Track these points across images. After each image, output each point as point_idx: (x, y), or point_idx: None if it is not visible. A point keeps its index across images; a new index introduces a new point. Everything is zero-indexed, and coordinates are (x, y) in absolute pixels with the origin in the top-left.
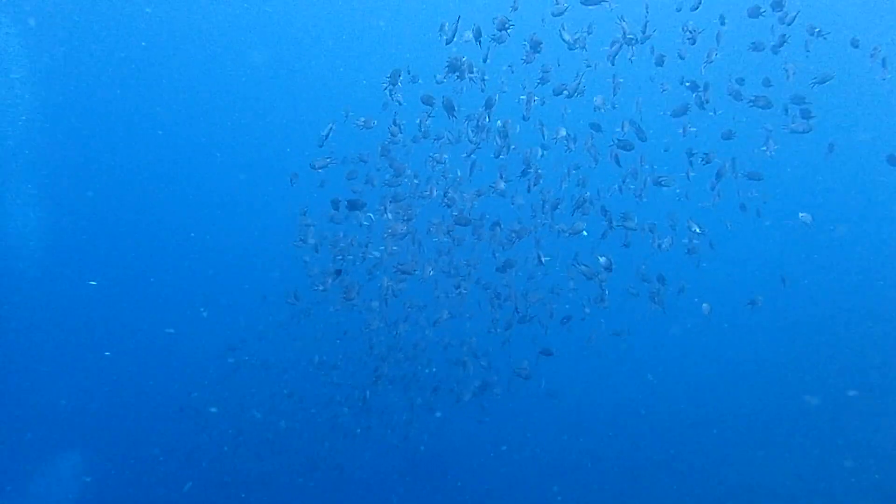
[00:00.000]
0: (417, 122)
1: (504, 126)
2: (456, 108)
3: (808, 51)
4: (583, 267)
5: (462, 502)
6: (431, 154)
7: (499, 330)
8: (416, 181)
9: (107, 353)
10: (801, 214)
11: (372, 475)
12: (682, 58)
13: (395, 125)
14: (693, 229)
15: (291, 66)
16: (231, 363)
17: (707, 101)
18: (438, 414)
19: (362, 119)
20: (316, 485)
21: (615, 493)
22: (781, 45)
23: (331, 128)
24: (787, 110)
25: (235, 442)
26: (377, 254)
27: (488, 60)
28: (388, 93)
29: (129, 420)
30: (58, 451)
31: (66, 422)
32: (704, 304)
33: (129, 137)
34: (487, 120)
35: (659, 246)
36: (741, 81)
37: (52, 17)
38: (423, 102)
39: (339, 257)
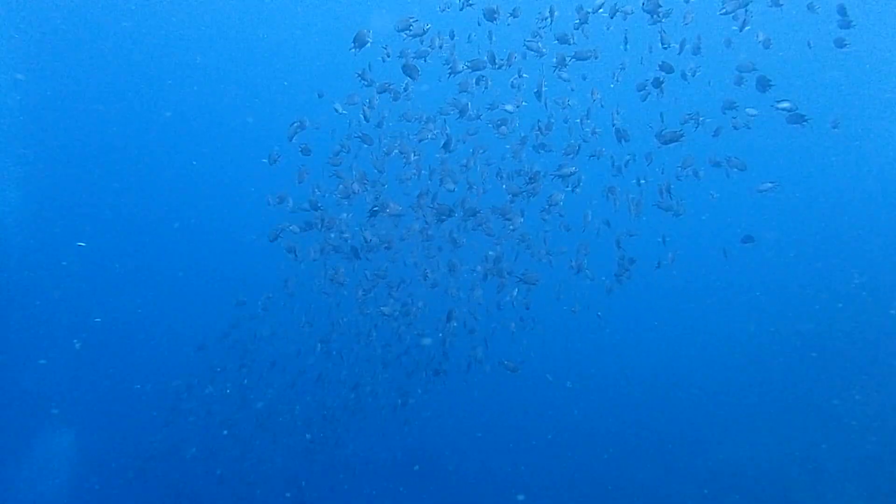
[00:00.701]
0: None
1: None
2: (419, 72)
3: (780, 5)
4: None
5: (457, 482)
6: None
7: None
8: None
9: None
10: (762, 184)
11: (367, 454)
12: (664, 45)
13: (367, 109)
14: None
15: (268, 53)
16: (222, 348)
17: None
18: (428, 391)
19: (338, 105)
20: (312, 467)
21: (604, 469)
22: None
23: (297, 125)
24: (764, 86)
25: (228, 430)
26: (363, 238)
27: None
28: (359, 74)
29: (118, 408)
30: (56, 430)
31: (63, 402)
32: (670, 254)
33: (120, 130)
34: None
35: (637, 214)
36: (698, 49)
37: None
38: (379, 91)
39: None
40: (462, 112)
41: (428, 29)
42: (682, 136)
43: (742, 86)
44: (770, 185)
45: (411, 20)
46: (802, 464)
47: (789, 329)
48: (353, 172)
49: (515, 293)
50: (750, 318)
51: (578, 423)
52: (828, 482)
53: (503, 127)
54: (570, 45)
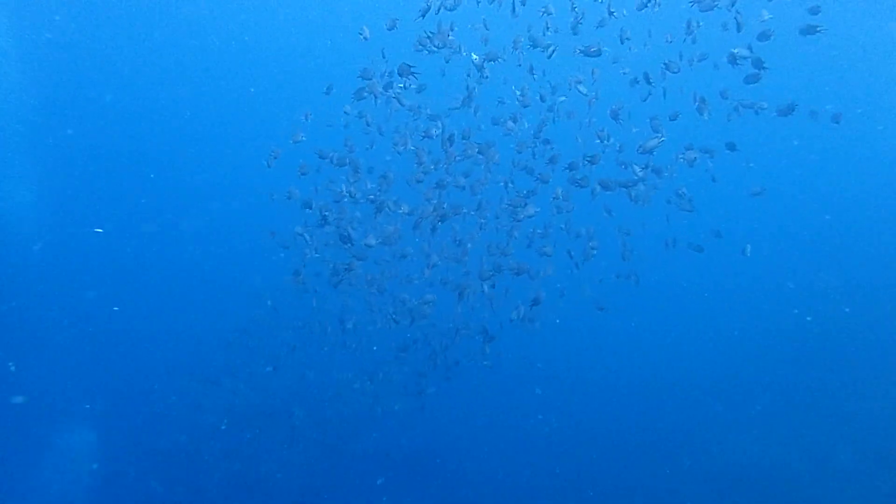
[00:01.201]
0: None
1: (480, 60)
2: (413, 71)
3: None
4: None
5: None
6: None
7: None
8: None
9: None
10: (754, 189)
11: (382, 450)
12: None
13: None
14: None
15: (274, 51)
16: (229, 352)
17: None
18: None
19: (347, 106)
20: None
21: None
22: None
23: (301, 135)
24: (759, 69)
25: (240, 426)
26: (373, 241)
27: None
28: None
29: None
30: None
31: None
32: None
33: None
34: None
35: (639, 203)
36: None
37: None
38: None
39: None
40: (466, 102)
41: (429, 6)
42: (661, 141)
43: (736, 67)
44: (760, 189)
45: (396, 22)
46: (807, 464)
47: (795, 326)
48: (350, 170)
49: (522, 310)
50: (754, 314)
51: (585, 422)
52: (834, 482)
53: (510, 122)
54: (576, 36)
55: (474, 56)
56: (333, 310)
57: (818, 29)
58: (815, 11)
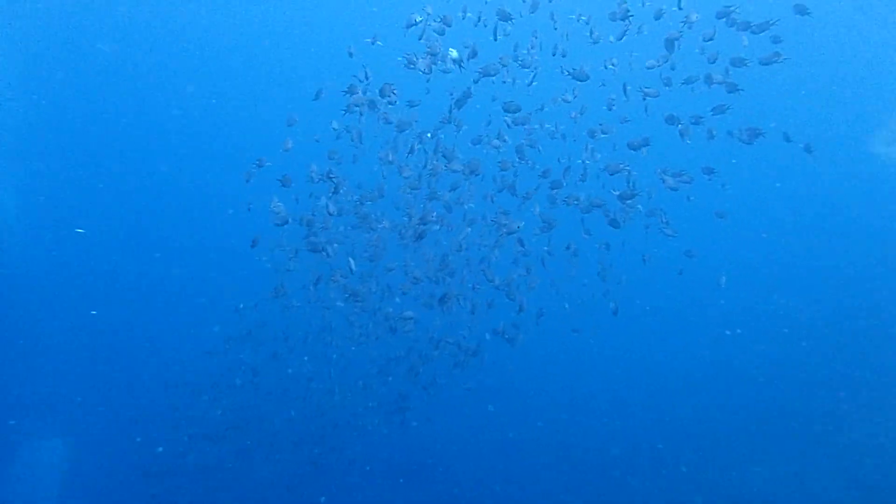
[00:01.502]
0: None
1: (459, 57)
2: (394, 89)
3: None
4: None
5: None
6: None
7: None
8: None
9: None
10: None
11: (366, 461)
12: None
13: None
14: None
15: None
16: (219, 361)
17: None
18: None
19: (334, 122)
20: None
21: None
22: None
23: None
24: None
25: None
26: (353, 265)
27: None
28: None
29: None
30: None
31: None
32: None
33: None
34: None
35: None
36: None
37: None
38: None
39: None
40: (453, 115)
41: (420, 21)
42: (627, 168)
43: (712, 90)
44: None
45: (376, 40)
46: (786, 488)
47: (791, 350)
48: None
49: (501, 328)
50: (751, 337)
51: (564, 437)
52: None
53: (495, 140)
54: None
55: (452, 52)
56: (314, 322)
57: (779, 58)
58: (777, 40)
